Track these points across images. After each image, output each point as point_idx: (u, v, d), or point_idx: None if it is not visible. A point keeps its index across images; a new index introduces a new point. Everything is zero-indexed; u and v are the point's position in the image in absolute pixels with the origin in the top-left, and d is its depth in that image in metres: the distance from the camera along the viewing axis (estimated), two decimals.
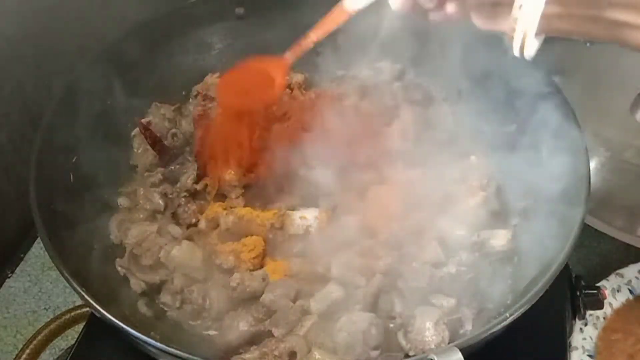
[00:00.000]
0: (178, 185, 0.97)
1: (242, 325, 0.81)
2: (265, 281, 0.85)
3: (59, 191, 0.86)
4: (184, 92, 1.09)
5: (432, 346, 0.77)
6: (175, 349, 0.69)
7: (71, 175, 0.90)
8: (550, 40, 0.65)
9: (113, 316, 0.71)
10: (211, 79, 1.07)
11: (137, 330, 0.70)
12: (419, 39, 1.06)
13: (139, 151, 1.01)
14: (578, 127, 0.89)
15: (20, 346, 0.99)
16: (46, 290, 1.10)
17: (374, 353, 0.78)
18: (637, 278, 1.04)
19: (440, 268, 0.86)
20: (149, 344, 0.69)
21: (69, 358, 0.87)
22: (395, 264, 0.86)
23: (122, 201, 0.96)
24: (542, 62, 0.96)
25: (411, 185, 0.95)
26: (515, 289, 0.82)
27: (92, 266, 0.83)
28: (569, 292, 0.94)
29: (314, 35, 0.85)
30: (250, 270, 0.87)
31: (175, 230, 0.92)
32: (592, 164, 0.91)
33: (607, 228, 1.03)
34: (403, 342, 0.79)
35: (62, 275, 0.74)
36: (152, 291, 0.87)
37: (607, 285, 1.03)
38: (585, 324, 1.00)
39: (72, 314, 1.02)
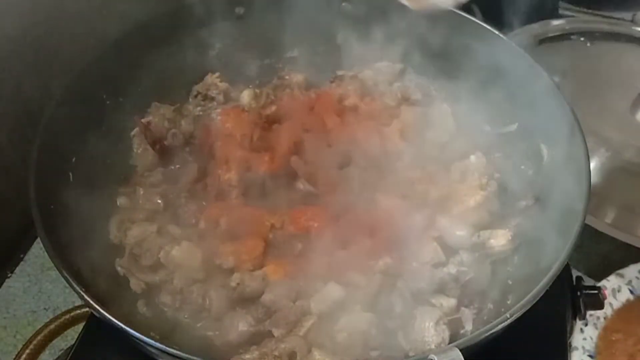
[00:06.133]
0: (178, 185, 0.97)
1: (242, 325, 0.81)
2: (265, 281, 0.85)
3: (58, 191, 0.86)
4: (184, 92, 1.09)
5: (432, 346, 0.77)
6: (175, 349, 0.69)
7: (71, 175, 0.90)
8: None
9: (113, 316, 0.71)
10: (211, 78, 1.07)
11: (137, 330, 0.70)
12: (418, 38, 1.06)
13: (139, 151, 1.01)
14: (578, 127, 0.89)
15: (20, 346, 0.99)
16: (46, 291, 1.10)
17: (374, 353, 0.78)
18: (637, 278, 1.04)
19: (440, 268, 0.86)
20: (149, 344, 0.69)
21: (68, 358, 0.87)
22: (395, 264, 0.86)
23: (122, 201, 0.96)
24: (542, 62, 0.97)
25: (411, 185, 0.95)
26: (516, 289, 0.82)
27: (92, 266, 0.83)
28: (569, 292, 0.94)
29: None
30: (250, 270, 0.87)
31: (175, 230, 0.92)
32: (592, 164, 0.91)
33: (607, 228, 1.03)
34: (403, 342, 0.79)
35: (62, 275, 0.74)
36: (152, 291, 0.87)
37: (608, 285, 1.03)
38: (586, 324, 1.00)
39: (72, 314, 1.02)
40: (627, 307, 1.03)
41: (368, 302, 0.82)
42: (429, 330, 0.78)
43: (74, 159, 0.91)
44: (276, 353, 0.76)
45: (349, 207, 0.92)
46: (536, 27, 1.27)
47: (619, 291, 1.03)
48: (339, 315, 0.81)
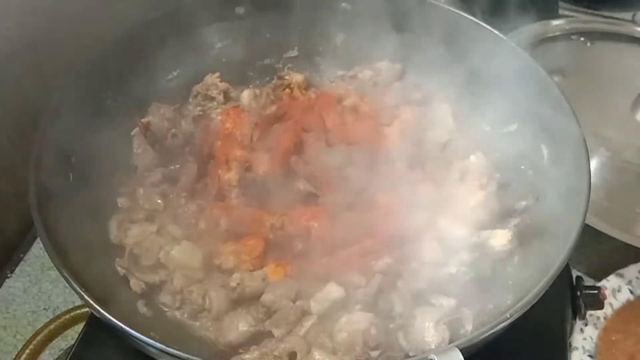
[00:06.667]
0: (178, 185, 0.97)
1: (242, 325, 0.81)
2: (265, 281, 0.85)
3: (59, 191, 0.86)
4: (184, 92, 1.09)
5: (432, 346, 0.77)
6: (175, 349, 0.69)
7: (71, 175, 0.90)
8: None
9: (113, 316, 0.71)
10: (211, 78, 1.07)
11: (136, 331, 0.70)
12: (418, 38, 1.06)
13: (139, 151, 1.01)
14: (578, 127, 0.89)
15: (20, 346, 0.99)
16: (46, 291, 1.10)
17: (374, 353, 0.78)
18: (637, 278, 1.04)
19: (440, 268, 0.86)
20: (149, 344, 0.69)
21: (68, 358, 0.87)
22: (395, 264, 0.86)
23: (122, 201, 0.96)
24: (542, 62, 0.97)
25: (411, 185, 0.95)
26: (516, 289, 0.82)
27: (92, 266, 0.83)
28: (569, 292, 0.94)
29: None
30: (250, 271, 0.87)
31: (175, 230, 0.92)
32: (592, 164, 0.91)
33: (607, 228, 1.03)
34: (403, 342, 0.79)
35: (62, 275, 0.74)
36: (152, 291, 0.87)
37: (608, 285, 1.03)
38: (586, 324, 1.00)
39: (72, 314, 1.02)
40: (627, 307, 1.03)
41: (368, 302, 0.82)
42: (429, 330, 0.78)
43: (73, 159, 0.91)
44: (276, 353, 0.76)
45: (349, 207, 0.92)
46: (536, 27, 1.27)
47: (619, 291, 1.03)
48: (339, 315, 0.81)
